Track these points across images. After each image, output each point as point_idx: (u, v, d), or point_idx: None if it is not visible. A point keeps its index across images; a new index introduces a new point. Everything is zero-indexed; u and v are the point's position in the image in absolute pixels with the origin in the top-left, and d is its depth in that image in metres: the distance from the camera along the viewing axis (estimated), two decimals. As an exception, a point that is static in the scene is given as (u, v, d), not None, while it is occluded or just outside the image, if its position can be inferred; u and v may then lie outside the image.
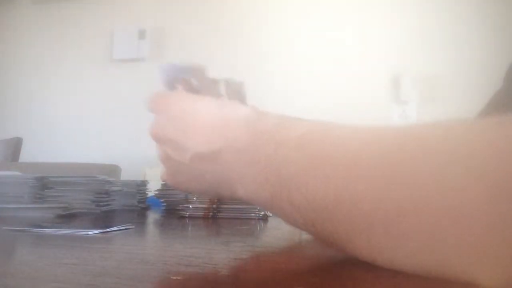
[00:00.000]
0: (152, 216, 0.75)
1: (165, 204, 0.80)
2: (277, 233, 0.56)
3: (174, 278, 0.26)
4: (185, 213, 0.65)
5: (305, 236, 0.44)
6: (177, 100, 0.38)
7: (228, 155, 0.33)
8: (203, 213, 0.65)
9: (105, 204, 0.74)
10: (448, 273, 0.22)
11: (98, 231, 0.45)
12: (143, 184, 0.88)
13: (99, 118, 2.42)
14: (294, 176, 0.28)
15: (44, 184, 0.73)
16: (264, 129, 0.32)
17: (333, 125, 0.29)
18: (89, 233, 0.44)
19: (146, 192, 0.87)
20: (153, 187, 0.86)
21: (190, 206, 0.66)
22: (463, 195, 0.21)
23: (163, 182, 0.82)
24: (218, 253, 0.36)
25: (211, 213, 0.65)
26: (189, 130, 0.35)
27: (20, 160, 2.22)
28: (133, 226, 0.51)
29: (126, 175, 1.86)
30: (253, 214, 0.64)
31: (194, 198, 0.67)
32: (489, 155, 0.22)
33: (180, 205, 0.67)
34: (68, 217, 0.62)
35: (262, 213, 0.64)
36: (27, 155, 2.27)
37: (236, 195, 0.34)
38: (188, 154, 0.35)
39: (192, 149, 0.35)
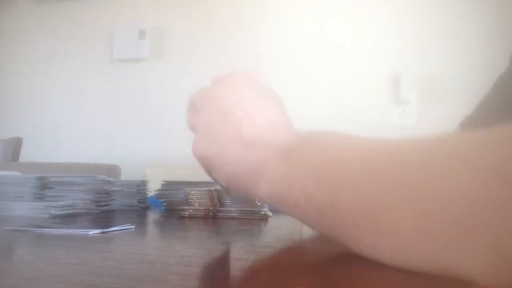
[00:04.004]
0: (152, 216, 0.75)
1: (165, 204, 0.80)
2: (277, 233, 0.56)
3: (174, 278, 0.26)
4: (185, 213, 0.65)
5: (306, 236, 0.44)
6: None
7: (266, 147, 0.35)
8: (203, 213, 0.65)
9: (105, 204, 0.74)
10: (444, 269, 0.22)
11: (98, 231, 0.45)
12: (143, 184, 0.87)
13: (99, 118, 2.42)
14: (313, 170, 0.31)
15: (44, 184, 0.73)
16: (302, 135, 0.35)
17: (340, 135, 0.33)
18: (89, 233, 0.44)
19: (146, 192, 0.87)
20: (153, 187, 0.86)
21: (190, 206, 0.66)
22: (456, 189, 0.22)
23: (163, 182, 0.82)
24: (218, 253, 0.36)
25: (211, 213, 0.65)
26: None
27: (20, 160, 2.22)
28: (133, 226, 0.51)
29: (126, 175, 1.86)
30: (253, 214, 0.64)
31: (194, 198, 0.67)
32: (482, 147, 0.22)
33: (180, 205, 0.67)
34: (68, 217, 0.62)
35: (262, 213, 0.64)
36: (27, 155, 2.27)
37: (258, 192, 0.35)
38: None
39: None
